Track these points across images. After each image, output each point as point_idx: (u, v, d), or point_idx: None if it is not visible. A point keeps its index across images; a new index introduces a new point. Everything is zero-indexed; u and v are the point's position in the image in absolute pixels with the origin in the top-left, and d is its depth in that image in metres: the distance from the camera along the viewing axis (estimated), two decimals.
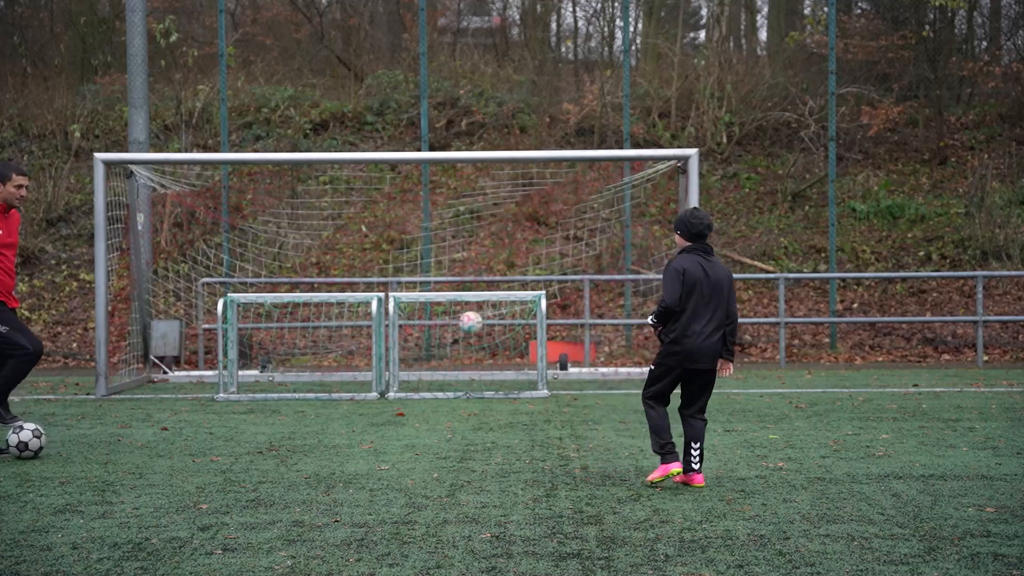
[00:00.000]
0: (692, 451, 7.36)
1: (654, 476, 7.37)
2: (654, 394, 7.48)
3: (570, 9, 30.40)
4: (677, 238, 7.49)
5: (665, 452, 7.34)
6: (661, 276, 17.35)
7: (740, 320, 17.65)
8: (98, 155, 13.81)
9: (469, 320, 13.22)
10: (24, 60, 25.55)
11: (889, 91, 23.49)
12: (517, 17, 29.79)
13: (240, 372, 14.48)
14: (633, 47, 27.38)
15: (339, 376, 14.97)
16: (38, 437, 8.53)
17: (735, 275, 17.78)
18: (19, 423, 8.66)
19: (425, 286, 17.83)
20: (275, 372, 15.22)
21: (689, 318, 7.28)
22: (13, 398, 12.87)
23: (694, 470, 7.34)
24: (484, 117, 23.08)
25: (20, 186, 8.60)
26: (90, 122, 22.69)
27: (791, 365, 16.81)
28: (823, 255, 19.99)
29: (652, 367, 7.48)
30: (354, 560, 5.60)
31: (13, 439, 8.48)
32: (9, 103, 23.43)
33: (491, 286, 18.62)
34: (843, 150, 22.25)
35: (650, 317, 7.48)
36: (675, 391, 7.55)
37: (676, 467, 7.30)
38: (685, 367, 7.33)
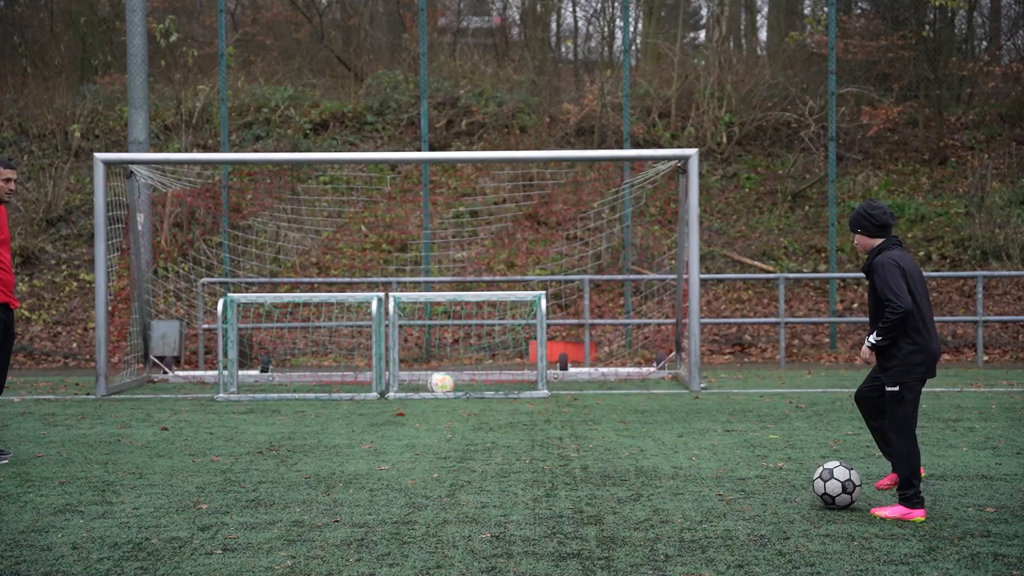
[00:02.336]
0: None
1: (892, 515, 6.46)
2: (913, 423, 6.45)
3: (570, 9, 30.42)
4: (860, 239, 6.67)
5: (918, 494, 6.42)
6: (662, 275, 17.31)
7: (740, 320, 17.72)
8: (98, 155, 13.81)
9: (440, 382, 13.12)
10: (24, 60, 25.54)
11: (889, 91, 23.48)
12: (517, 17, 29.79)
13: (240, 372, 14.48)
14: (633, 47, 27.38)
15: (340, 376, 14.97)
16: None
17: (735, 275, 17.81)
18: None
19: (425, 286, 17.83)
20: (275, 372, 15.22)
21: (923, 317, 6.45)
22: (13, 398, 12.87)
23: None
24: (484, 117, 23.07)
25: (8, 179, 8.49)
26: (90, 122, 22.68)
27: (791, 365, 16.81)
28: (823, 255, 19.99)
29: (896, 391, 6.45)
30: (354, 560, 5.60)
31: None
32: (9, 103, 23.42)
33: (491, 286, 18.61)
34: (843, 150, 22.24)
35: (872, 338, 6.42)
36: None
37: (921, 515, 6.41)
38: (929, 376, 6.49)
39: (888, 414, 6.52)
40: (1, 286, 8.44)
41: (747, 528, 6.19)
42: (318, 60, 26.92)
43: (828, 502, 6.61)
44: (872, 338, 6.41)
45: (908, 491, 6.39)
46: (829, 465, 6.69)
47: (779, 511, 6.60)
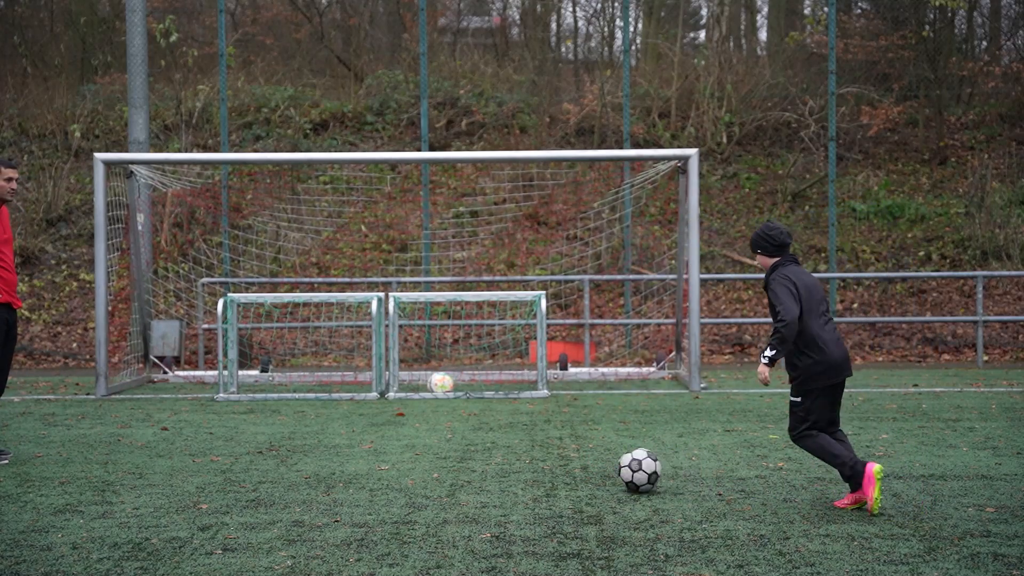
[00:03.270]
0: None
1: (846, 503, 6.72)
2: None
3: (570, 9, 30.42)
4: (760, 258, 6.96)
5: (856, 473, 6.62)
6: (662, 275, 17.33)
7: (740, 320, 17.73)
8: (98, 155, 13.81)
9: (440, 382, 13.12)
10: (24, 60, 25.54)
11: (889, 91, 23.48)
12: (517, 17, 29.80)
13: (240, 372, 14.48)
14: (633, 47, 27.38)
15: (339, 375, 14.98)
16: None
17: (735, 275, 17.81)
18: None
19: (425, 286, 17.83)
20: (275, 372, 15.21)
21: (819, 330, 6.69)
22: (13, 398, 12.87)
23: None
24: (484, 117, 23.07)
25: (10, 179, 8.48)
26: (90, 122, 22.68)
27: None
28: (823, 255, 19.99)
29: (798, 401, 6.74)
30: (354, 560, 5.60)
31: None
32: (9, 103, 23.42)
33: (491, 286, 18.61)
34: (843, 150, 22.24)
35: (766, 353, 6.65)
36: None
37: (872, 493, 6.57)
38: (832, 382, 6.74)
39: (790, 422, 6.81)
40: (3, 285, 8.43)
41: (747, 528, 6.19)
42: (318, 60, 26.92)
43: (632, 489, 7.17)
44: (765, 354, 6.67)
45: (846, 472, 6.61)
46: (638, 456, 7.17)
47: (779, 511, 6.61)
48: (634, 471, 7.11)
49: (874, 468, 6.50)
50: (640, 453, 7.18)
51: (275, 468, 8.19)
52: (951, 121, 23.52)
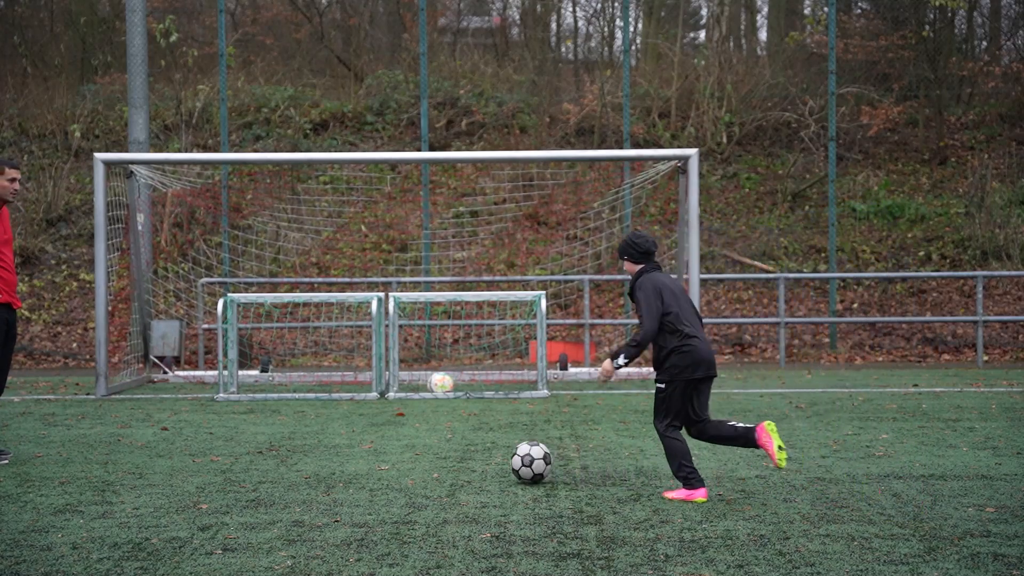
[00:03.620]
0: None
1: (677, 496, 7.02)
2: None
3: (570, 9, 30.42)
4: (627, 264, 7.34)
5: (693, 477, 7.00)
6: (672, 276, 17.41)
7: (740, 320, 17.72)
8: (98, 155, 13.81)
9: (440, 382, 13.11)
10: (24, 60, 25.54)
11: (889, 91, 23.48)
12: (517, 17, 29.79)
13: (240, 372, 14.47)
14: (633, 47, 27.38)
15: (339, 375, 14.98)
16: None
17: (735, 275, 17.82)
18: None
19: (425, 286, 17.83)
20: (275, 372, 15.21)
21: (687, 327, 7.09)
22: (13, 398, 12.87)
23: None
24: (484, 117, 23.07)
25: (13, 179, 8.47)
26: (90, 122, 22.69)
27: (791, 365, 16.81)
28: (823, 255, 19.99)
29: (662, 387, 7.07)
30: (354, 560, 5.60)
31: None
32: (9, 103, 23.42)
33: (491, 286, 18.61)
34: (843, 150, 22.24)
35: (620, 360, 7.05)
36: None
37: (702, 495, 6.95)
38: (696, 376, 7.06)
39: (655, 407, 7.11)
40: (3, 285, 8.43)
41: (747, 528, 6.19)
42: (318, 60, 26.92)
43: (517, 479, 7.57)
44: (620, 360, 7.04)
45: (682, 472, 6.95)
46: (535, 454, 7.49)
47: (779, 511, 6.61)
48: (524, 465, 7.50)
49: (766, 425, 6.89)
50: (538, 451, 7.52)
51: (275, 468, 8.19)
52: (951, 121, 23.52)
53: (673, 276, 7.34)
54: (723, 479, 7.61)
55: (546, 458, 7.48)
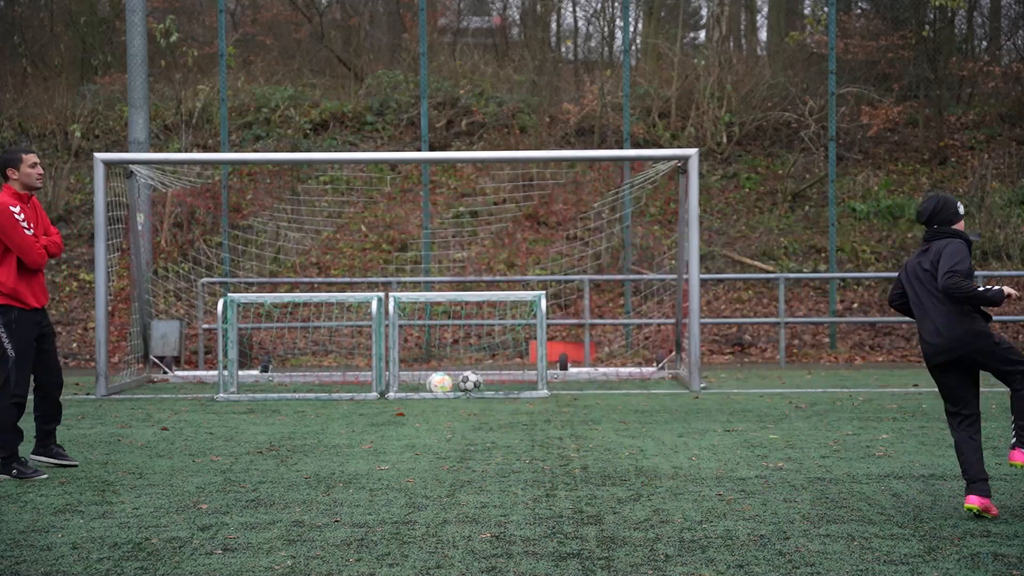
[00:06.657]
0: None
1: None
2: None
3: (570, 9, 30.41)
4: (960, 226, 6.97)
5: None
6: (662, 275, 17.30)
7: (740, 320, 17.71)
8: (98, 155, 13.81)
9: (439, 383, 13.12)
10: (24, 60, 25.54)
11: (889, 91, 23.48)
12: (517, 17, 29.79)
13: (240, 372, 14.48)
14: (633, 47, 27.37)
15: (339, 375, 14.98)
16: None
17: (735, 275, 17.82)
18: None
19: (425, 286, 17.83)
20: (275, 372, 15.21)
21: None
22: None
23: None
24: (484, 117, 23.07)
25: (34, 164, 8.33)
26: (90, 122, 22.69)
27: (791, 365, 16.81)
28: (823, 255, 19.99)
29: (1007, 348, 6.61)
30: (354, 560, 5.60)
31: None
32: (9, 103, 23.42)
33: (491, 286, 18.61)
34: (843, 150, 22.24)
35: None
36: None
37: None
38: None
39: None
40: (38, 288, 8.24)
41: (747, 528, 6.19)
42: (318, 60, 26.92)
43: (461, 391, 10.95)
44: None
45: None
46: (470, 376, 12.18)
47: (779, 511, 6.61)
48: (464, 382, 11.92)
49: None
50: (471, 375, 12.24)
51: (275, 468, 8.19)
52: (951, 121, 23.51)
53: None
54: (723, 479, 7.61)
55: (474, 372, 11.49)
